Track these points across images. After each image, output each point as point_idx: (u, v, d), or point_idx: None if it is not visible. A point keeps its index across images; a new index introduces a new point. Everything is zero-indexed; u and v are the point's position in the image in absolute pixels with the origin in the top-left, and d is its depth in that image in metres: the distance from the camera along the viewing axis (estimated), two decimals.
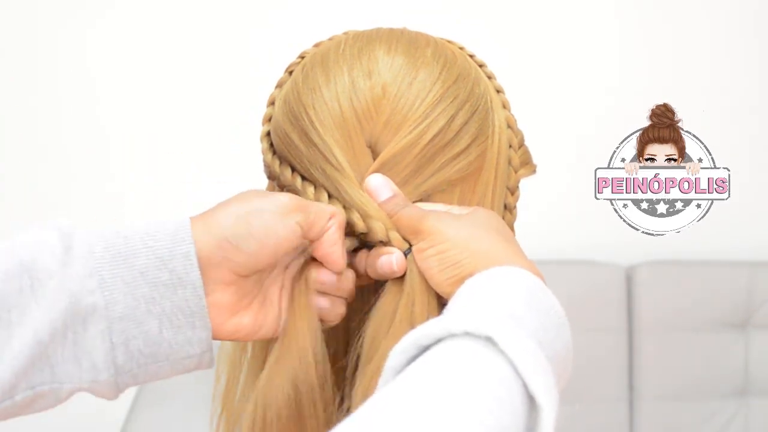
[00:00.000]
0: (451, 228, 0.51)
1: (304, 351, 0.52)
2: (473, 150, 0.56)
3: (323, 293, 0.55)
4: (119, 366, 0.49)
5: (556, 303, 0.48)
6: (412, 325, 0.50)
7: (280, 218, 0.51)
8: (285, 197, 0.52)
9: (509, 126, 0.60)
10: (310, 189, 0.55)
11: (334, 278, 0.54)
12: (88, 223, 0.51)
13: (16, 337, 0.46)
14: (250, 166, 0.83)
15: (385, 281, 0.54)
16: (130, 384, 0.51)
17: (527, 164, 0.62)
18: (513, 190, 0.60)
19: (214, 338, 0.52)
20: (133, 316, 0.49)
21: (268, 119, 0.60)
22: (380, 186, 0.54)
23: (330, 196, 0.55)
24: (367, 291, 0.57)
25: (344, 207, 0.54)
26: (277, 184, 0.58)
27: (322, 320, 0.54)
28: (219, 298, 0.51)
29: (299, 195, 0.55)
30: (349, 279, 0.55)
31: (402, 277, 0.53)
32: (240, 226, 0.50)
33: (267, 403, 0.52)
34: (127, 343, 0.49)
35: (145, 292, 0.49)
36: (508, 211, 0.60)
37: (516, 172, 0.60)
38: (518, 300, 0.46)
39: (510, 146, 0.59)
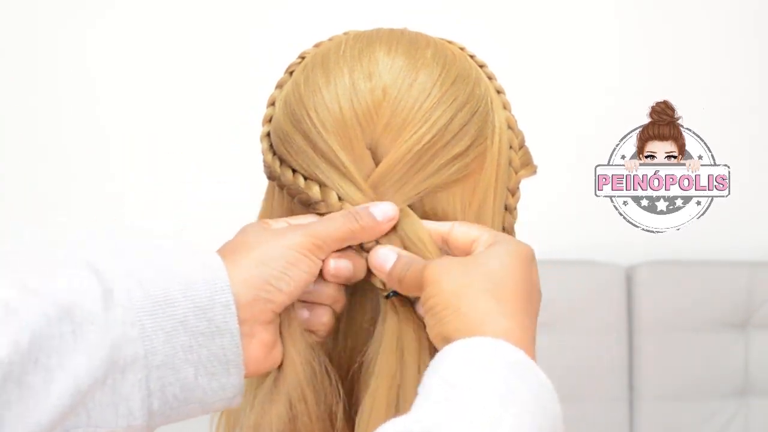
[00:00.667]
0: (446, 277, 0.50)
1: (292, 370, 0.53)
2: (473, 151, 0.56)
3: (303, 302, 0.55)
4: (154, 411, 0.50)
5: (542, 378, 0.47)
6: (399, 362, 0.52)
7: (306, 257, 0.52)
8: (301, 240, 0.52)
9: (510, 127, 0.59)
10: (315, 188, 0.55)
11: (313, 286, 0.54)
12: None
13: (56, 384, 0.46)
14: (250, 166, 0.83)
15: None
16: (161, 424, 0.52)
17: (528, 165, 0.61)
18: (513, 192, 0.60)
19: (253, 375, 0.53)
20: (171, 363, 0.49)
21: (269, 120, 0.60)
22: (384, 256, 0.54)
23: (339, 199, 0.55)
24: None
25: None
26: (278, 184, 0.57)
27: (310, 331, 0.55)
28: (263, 338, 0.52)
29: (302, 195, 0.55)
30: (330, 286, 0.55)
31: (391, 316, 0.54)
32: (277, 269, 0.51)
33: (262, 426, 0.53)
34: (163, 389, 0.50)
35: (184, 340, 0.49)
36: (508, 212, 0.60)
37: (516, 173, 0.60)
38: (498, 391, 0.44)
39: (510, 147, 0.59)
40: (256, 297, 0.50)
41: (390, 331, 0.53)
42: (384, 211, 0.53)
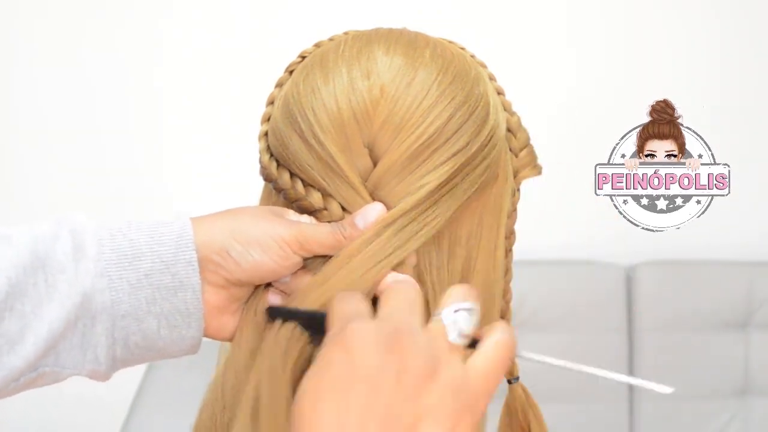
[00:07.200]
0: None
1: (238, 351, 0.54)
2: (470, 150, 0.56)
3: (278, 291, 0.56)
4: (116, 358, 0.52)
5: None
6: None
7: (283, 255, 0.53)
8: (286, 233, 0.53)
9: (509, 129, 0.59)
10: (316, 195, 0.55)
11: (289, 278, 0.55)
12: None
13: (31, 330, 0.49)
14: (250, 166, 0.83)
15: None
16: (120, 369, 0.54)
17: (532, 165, 0.61)
18: (512, 193, 0.60)
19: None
20: (135, 314, 0.51)
21: (267, 119, 0.60)
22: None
23: (343, 209, 0.55)
24: None
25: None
26: (274, 186, 0.57)
27: None
28: (209, 298, 0.53)
29: (300, 200, 0.55)
30: (305, 281, 0.55)
31: None
32: (242, 244, 0.52)
33: (207, 399, 0.55)
34: (126, 338, 0.52)
35: (148, 293, 0.51)
36: (506, 214, 0.60)
37: (514, 176, 0.59)
38: None
39: (510, 149, 0.59)
40: (209, 258, 0.52)
41: None
42: (366, 218, 0.53)
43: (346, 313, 0.44)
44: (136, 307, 0.51)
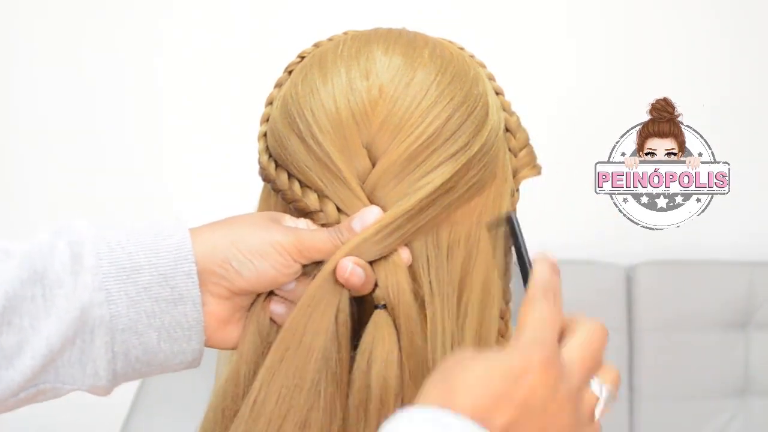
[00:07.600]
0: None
1: (240, 359, 0.54)
2: (470, 151, 0.55)
3: (281, 298, 0.55)
4: (117, 372, 0.52)
5: None
6: (366, 374, 0.51)
7: (284, 263, 0.52)
8: (285, 241, 0.52)
9: (508, 129, 0.59)
10: (313, 196, 0.55)
11: (292, 285, 0.54)
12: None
13: (29, 345, 0.49)
14: (250, 166, 0.82)
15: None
16: (121, 383, 0.54)
17: (531, 165, 0.61)
18: (512, 193, 0.60)
19: (204, 343, 0.54)
20: (135, 328, 0.51)
21: (266, 119, 0.60)
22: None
23: (339, 210, 0.54)
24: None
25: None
26: (272, 187, 0.57)
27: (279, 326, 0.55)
28: (213, 310, 0.53)
29: (298, 202, 0.55)
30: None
31: (370, 327, 0.53)
32: (243, 254, 0.52)
33: (214, 403, 0.55)
34: (126, 352, 0.51)
35: (147, 306, 0.51)
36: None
37: (514, 176, 0.59)
38: None
39: (509, 149, 0.59)
40: (211, 270, 0.52)
41: (366, 340, 0.53)
42: (363, 221, 0.53)
43: (542, 323, 0.48)
44: (136, 320, 0.51)
